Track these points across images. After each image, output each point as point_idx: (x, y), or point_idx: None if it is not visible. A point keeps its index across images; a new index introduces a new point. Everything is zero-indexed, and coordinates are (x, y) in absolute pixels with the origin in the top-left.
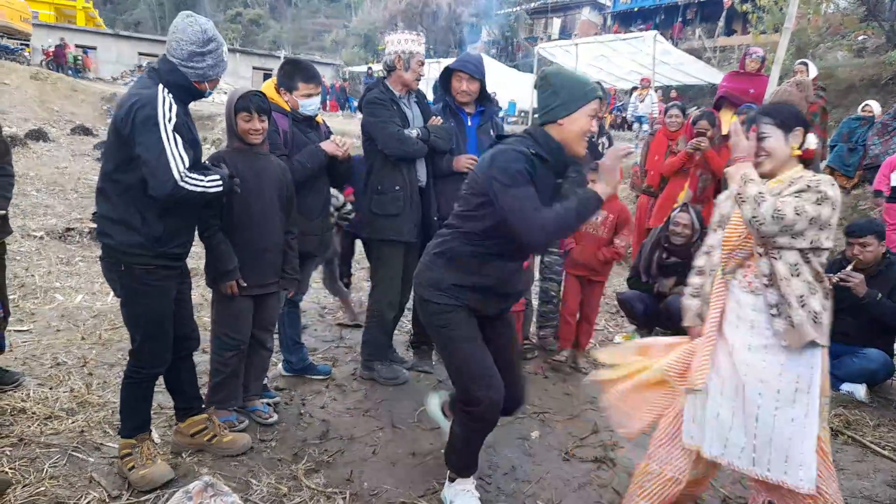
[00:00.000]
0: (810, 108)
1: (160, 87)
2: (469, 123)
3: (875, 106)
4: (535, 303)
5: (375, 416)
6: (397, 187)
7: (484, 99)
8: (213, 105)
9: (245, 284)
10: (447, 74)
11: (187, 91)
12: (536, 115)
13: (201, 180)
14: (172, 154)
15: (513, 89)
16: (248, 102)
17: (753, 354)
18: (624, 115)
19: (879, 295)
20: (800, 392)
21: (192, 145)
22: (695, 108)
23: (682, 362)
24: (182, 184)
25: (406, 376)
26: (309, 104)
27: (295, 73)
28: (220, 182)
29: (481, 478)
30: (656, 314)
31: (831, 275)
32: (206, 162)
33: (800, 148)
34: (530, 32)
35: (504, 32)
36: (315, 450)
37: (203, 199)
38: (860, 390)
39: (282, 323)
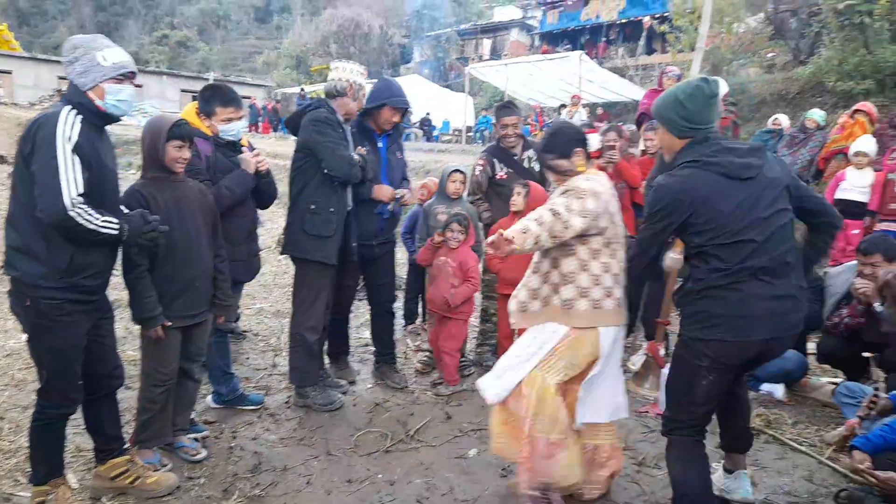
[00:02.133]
0: (722, 123)
1: (67, 107)
2: (380, 145)
3: (784, 119)
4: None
5: (310, 444)
6: (332, 209)
7: (394, 128)
8: (138, 129)
9: (170, 324)
10: (380, 106)
11: (91, 111)
12: None
13: (94, 217)
14: (66, 176)
15: (446, 108)
16: (182, 130)
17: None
18: None
19: None
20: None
21: (101, 175)
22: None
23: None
24: (71, 212)
25: (341, 401)
26: (229, 129)
27: (213, 98)
28: (116, 227)
29: (418, 501)
30: None
31: None
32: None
33: (588, 160)
34: (461, 53)
35: (436, 53)
36: (246, 484)
37: (95, 238)
38: (778, 390)
39: (210, 353)
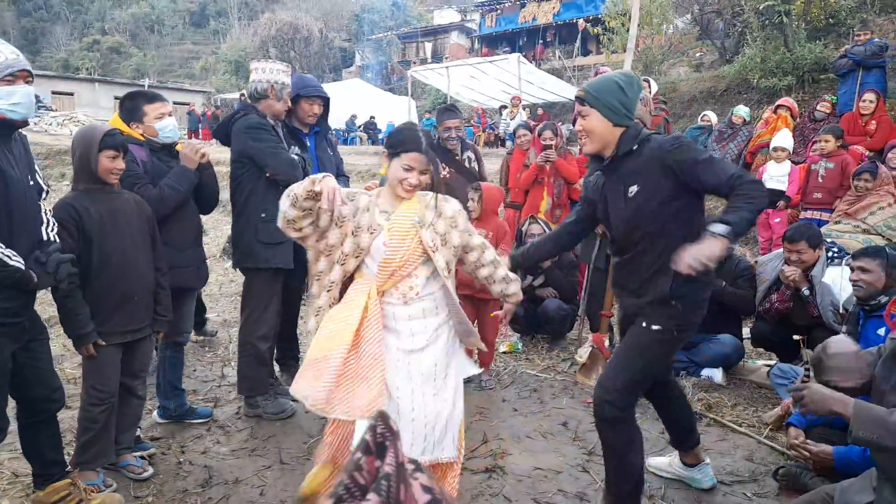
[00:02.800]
0: (654, 121)
1: None
2: (308, 143)
3: (712, 116)
4: None
5: (262, 454)
6: None
7: (320, 119)
8: (70, 138)
9: (104, 344)
10: (296, 99)
11: None
12: None
13: None
14: None
15: (390, 112)
16: (115, 140)
17: (416, 356)
18: (496, 132)
19: (724, 283)
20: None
21: (6, 187)
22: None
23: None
24: None
25: (293, 408)
26: (166, 126)
27: (136, 101)
28: (21, 264)
29: None
30: (535, 318)
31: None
32: (52, 231)
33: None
34: (403, 56)
35: (378, 57)
36: (197, 499)
37: None
38: (717, 374)
39: (162, 367)
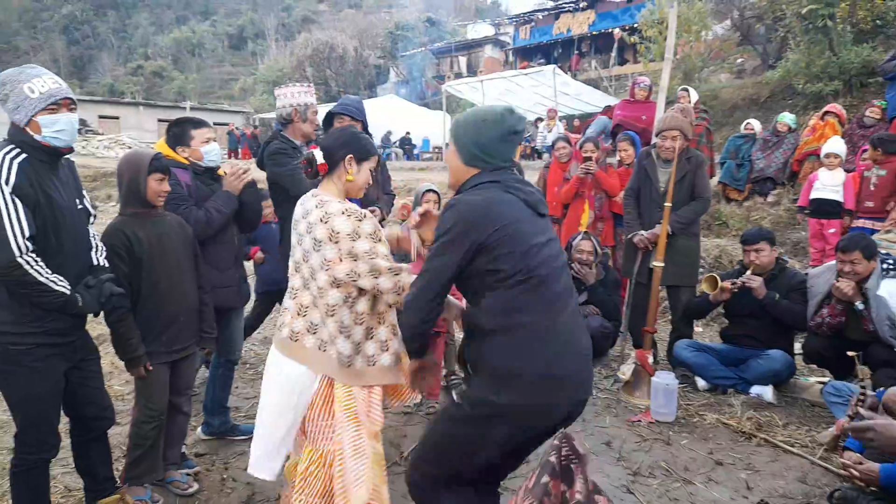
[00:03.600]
0: (696, 130)
1: (5, 148)
2: None
3: (756, 124)
4: (459, 336)
5: None
6: None
7: None
8: (116, 161)
9: (151, 368)
10: (330, 118)
11: (35, 147)
12: None
13: (44, 269)
14: (10, 221)
15: (425, 127)
16: (162, 163)
17: None
18: (532, 144)
19: (777, 296)
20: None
21: (54, 213)
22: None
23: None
24: (20, 259)
25: None
26: (210, 150)
27: (185, 126)
28: (66, 287)
29: None
30: None
31: (735, 280)
32: (101, 256)
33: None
34: (437, 71)
35: (412, 73)
36: None
37: (43, 296)
38: (768, 392)
39: (212, 385)
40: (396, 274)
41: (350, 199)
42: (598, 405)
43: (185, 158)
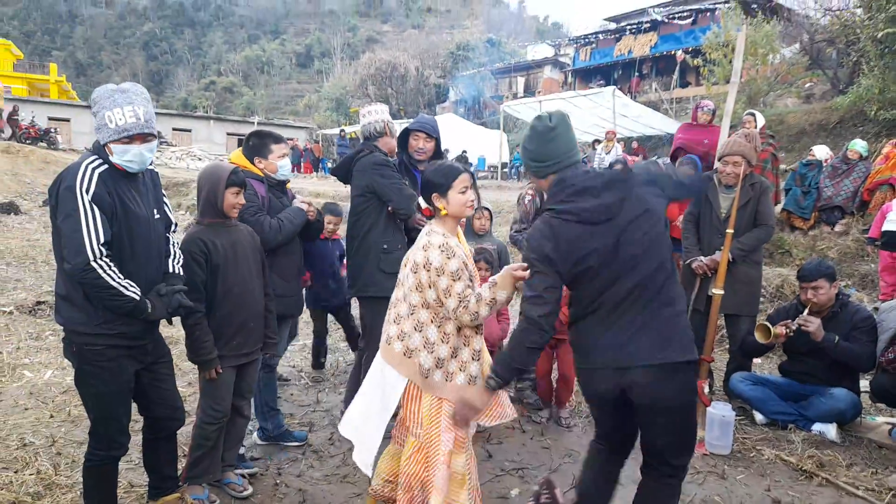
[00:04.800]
0: (761, 156)
1: (88, 159)
2: (419, 179)
3: (819, 151)
4: None
5: (353, 481)
6: (400, 246)
7: (436, 157)
8: (187, 172)
9: (220, 371)
10: (406, 134)
11: (110, 163)
12: None
13: (116, 274)
14: (87, 227)
15: (482, 145)
16: (239, 178)
17: None
18: (589, 166)
19: (837, 338)
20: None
21: (129, 223)
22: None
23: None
24: (94, 263)
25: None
26: (285, 165)
27: (265, 139)
28: (136, 293)
29: None
30: None
31: (790, 323)
32: (178, 264)
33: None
34: (496, 91)
35: (471, 92)
36: None
37: (115, 300)
38: (831, 430)
39: (257, 389)
40: (465, 306)
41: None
42: None
43: (261, 171)
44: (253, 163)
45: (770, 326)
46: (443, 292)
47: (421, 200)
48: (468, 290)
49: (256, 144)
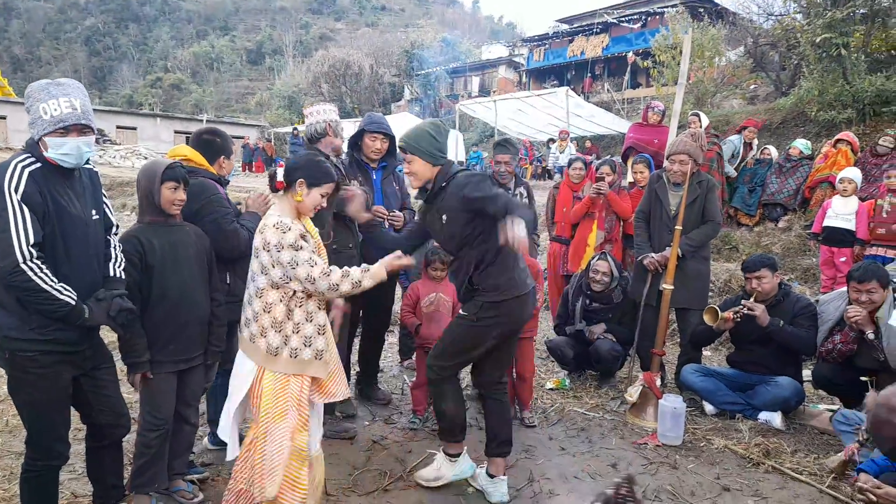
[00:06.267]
0: (707, 155)
1: (18, 157)
2: (374, 177)
3: (773, 150)
4: None
5: None
6: (350, 245)
7: (388, 154)
8: (132, 171)
9: (150, 376)
10: (360, 134)
11: (45, 160)
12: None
13: (48, 277)
14: (16, 228)
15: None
16: (176, 172)
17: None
18: (544, 165)
19: (781, 322)
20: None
21: (63, 224)
22: (607, 156)
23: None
24: (24, 265)
25: (354, 431)
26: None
27: (225, 139)
28: (72, 298)
29: None
30: (585, 358)
31: (737, 309)
32: (119, 267)
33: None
34: (451, 90)
35: (426, 91)
36: None
37: (49, 304)
38: (776, 418)
39: (213, 396)
40: (325, 273)
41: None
42: (605, 426)
43: (217, 171)
44: (215, 162)
45: (718, 310)
46: (289, 265)
47: (278, 171)
48: (316, 258)
49: (222, 144)
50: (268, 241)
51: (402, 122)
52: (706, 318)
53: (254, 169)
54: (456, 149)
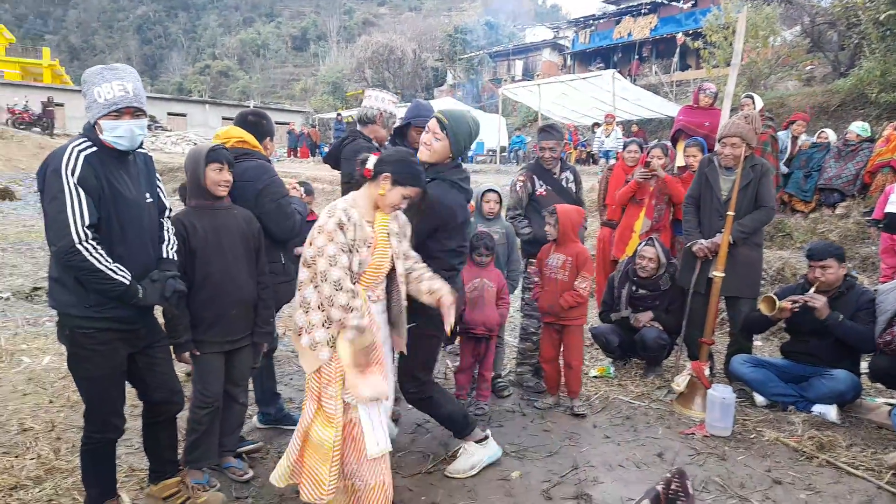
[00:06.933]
0: (760, 138)
1: (75, 142)
2: None
3: (830, 133)
4: (509, 339)
5: None
6: None
7: None
8: (182, 157)
9: (198, 353)
10: (406, 126)
11: (101, 143)
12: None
13: (102, 257)
14: (72, 209)
15: (480, 129)
16: (220, 154)
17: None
18: (588, 149)
19: (841, 317)
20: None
21: (118, 206)
22: (655, 140)
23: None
24: (79, 245)
25: (398, 413)
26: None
27: (269, 120)
28: (126, 278)
29: None
30: (631, 345)
31: (796, 299)
32: (172, 249)
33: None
34: (494, 75)
35: (469, 75)
36: None
37: (103, 283)
38: (831, 412)
39: (258, 375)
40: (339, 287)
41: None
42: (650, 415)
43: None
44: (262, 143)
45: (776, 299)
46: (318, 250)
47: (370, 159)
48: (341, 256)
49: (267, 126)
50: (321, 224)
51: (444, 107)
52: (762, 307)
53: (299, 154)
54: (499, 133)
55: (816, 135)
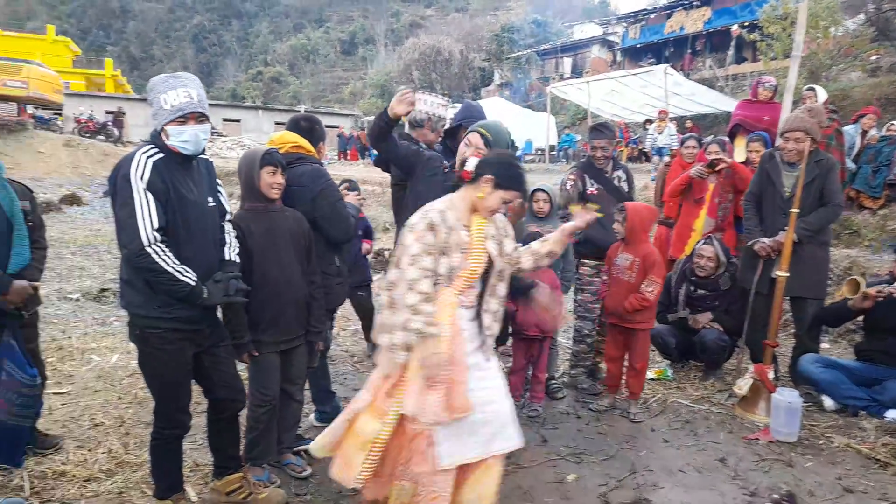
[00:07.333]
0: (825, 132)
1: (143, 148)
2: None
3: None
4: (562, 340)
5: None
6: None
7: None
8: (238, 161)
9: (256, 354)
10: (457, 128)
11: (166, 148)
12: None
13: (171, 259)
14: (142, 213)
15: (529, 129)
16: (273, 157)
17: (474, 357)
18: (640, 147)
19: None
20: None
21: (183, 210)
22: (711, 136)
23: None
24: (148, 248)
25: None
26: None
27: (321, 124)
28: (192, 279)
29: None
30: (689, 347)
31: (882, 288)
32: (234, 252)
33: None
34: (542, 73)
35: (517, 74)
36: (350, 502)
37: (171, 284)
38: None
39: (313, 373)
40: (411, 287)
41: None
42: (711, 420)
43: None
44: (316, 148)
45: (861, 281)
46: (404, 249)
47: (470, 161)
48: (424, 257)
49: (320, 130)
50: (409, 228)
51: (492, 107)
52: (845, 290)
53: (348, 157)
54: (548, 132)
55: (885, 128)
